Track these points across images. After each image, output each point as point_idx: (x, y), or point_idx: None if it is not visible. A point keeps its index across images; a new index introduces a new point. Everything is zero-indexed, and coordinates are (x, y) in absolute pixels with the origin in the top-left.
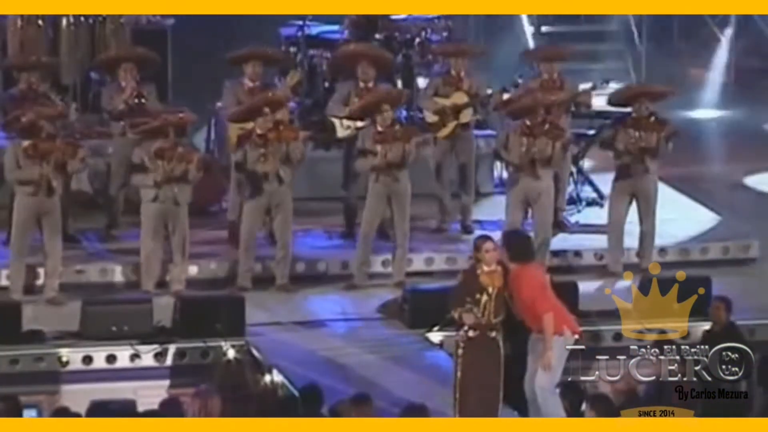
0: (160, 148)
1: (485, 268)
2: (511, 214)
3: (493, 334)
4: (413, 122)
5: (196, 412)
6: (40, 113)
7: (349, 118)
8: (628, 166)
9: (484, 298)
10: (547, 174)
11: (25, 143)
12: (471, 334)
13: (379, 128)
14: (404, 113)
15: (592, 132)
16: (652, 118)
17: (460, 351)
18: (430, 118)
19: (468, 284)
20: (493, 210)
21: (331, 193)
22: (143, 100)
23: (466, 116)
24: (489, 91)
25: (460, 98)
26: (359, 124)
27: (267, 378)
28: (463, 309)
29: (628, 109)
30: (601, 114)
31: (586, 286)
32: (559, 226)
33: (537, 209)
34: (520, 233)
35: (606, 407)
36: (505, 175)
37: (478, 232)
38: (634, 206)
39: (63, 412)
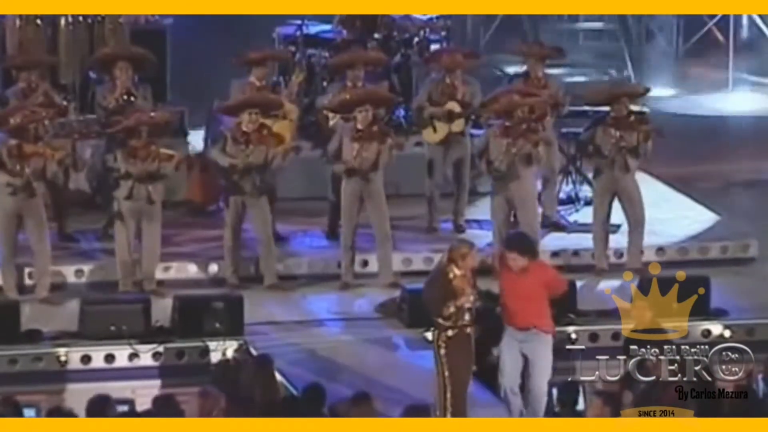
0: (133, 147)
1: (457, 272)
2: (496, 217)
3: (468, 330)
4: (410, 122)
5: (203, 412)
6: (29, 117)
7: (332, 110)
8: (607, 165)
9: (462, 300)
10: (528, 173)
11: (10, 143)
12: (450, 333)
13: (359, 126)
14: (402, 113)
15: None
16: (632, 117)
17: (442, 351)
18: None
19: (444, 287)
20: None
21: (328, 193)
22: (133, 99)
23: (459, 126)
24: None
25: (453, 107)
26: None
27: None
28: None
29: (606, 109)
30: (599, 113)
31: (585, 285)
32: (554, 225)
33: (521, 209)
34: (524, 234)
35: (616, 404)
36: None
37: (476, 232)
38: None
39: (58, 412)
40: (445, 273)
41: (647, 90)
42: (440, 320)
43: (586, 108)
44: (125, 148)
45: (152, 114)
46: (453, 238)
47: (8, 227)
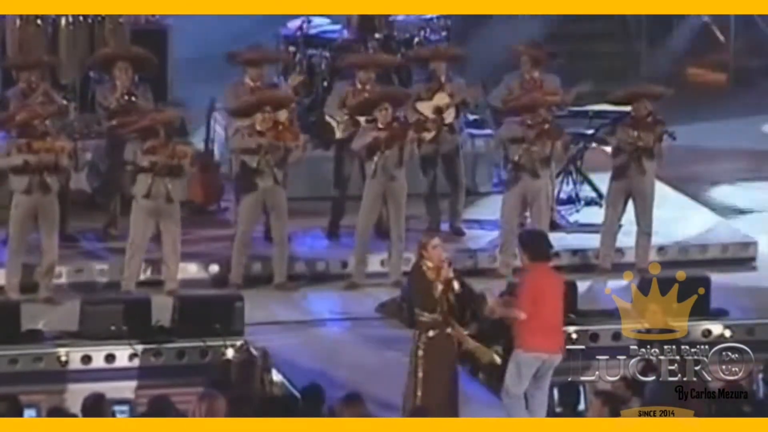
0: (152, 146)
1: (429, 264)
2: (508, 213)
3: (449, 330)
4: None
5: (202, 413)
6: (33, 113)
7: (347, 115)
8: (624, 166)
9: (436, 294)
10: (546, 173)
11: (20, 142)
12: (431, 333)
13: (380, 125)
14: (402, 113)
15: (590, 132)
16: (650, 118)
17: (420, 352)
18: (412, 117)
19: (419, 283)
20: (491, 210)
21: (330, 193)
22: (134, 99)
23: (450, 116)
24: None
25: (441, 99)
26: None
27: (267, 377)
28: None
29: (627, 109)
30: (599, 114)
31: (586, 286)
32: (553, 225)
33: (535, 208)
34: (534, 232)
35: (616, 404)
36: (504, 175)
37: (477, 232)
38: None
39: (56, 412)
40: (419, 267)
41: (668, 91)
42: (424, 316)
43: (587, 108)
44: (147, 147)
45: (165, 112)
46: (454, 238)
47: (24, 226)
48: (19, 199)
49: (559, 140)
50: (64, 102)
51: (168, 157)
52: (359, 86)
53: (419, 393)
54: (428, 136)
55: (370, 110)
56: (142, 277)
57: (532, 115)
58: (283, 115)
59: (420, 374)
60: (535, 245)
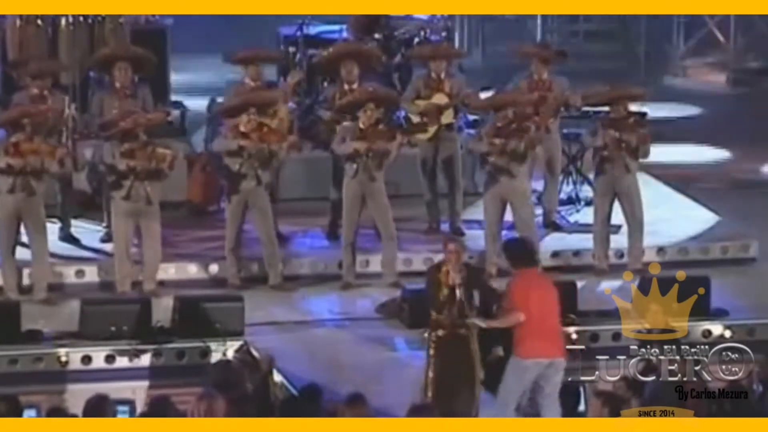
0: (129, 148)
1: (447, 267)
2: (488, 214)
3: (463, 331)
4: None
5: (201, 413)
6: (23, 111)
7: (337, 112)
8: (606, 166)
9: (442, 297)
10: (522, 173)
11: (8, 141)
12: (440, 333)
13: (361, 125)
14: (402, 113)
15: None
16: (631, 119)
17: (431, 351)
18: (415, 119)
19: (430, 282)
20: None
21: (329, 193)
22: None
23: (448, 117)
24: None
25: (440, 99)
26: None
27: (266, 378)
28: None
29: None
30: (598, 114)
31: (585, 286)
32: (553, 225)
33: (515, 208)
34: (516, 240)
35: (616, 404)
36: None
37: (477, 232)
38: None
39: (56, 412)
40: (436, 266)
41: (646, 92)
42: (433, 315)
43: (588, 109)
44: (124, 149)
45: (148, 116)
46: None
47: (9, 227)
48: (3, 200)
49: (534, 142)
50: (74, 113)
51: (146, 160)
52: (346, 87)
53: (429, 393)
54: (424, 136)
55: (355, 110)
56: (140, 277)
57: (500, 115)
58: (281, 113)
59: (431, 374)
60: (515, 253)
